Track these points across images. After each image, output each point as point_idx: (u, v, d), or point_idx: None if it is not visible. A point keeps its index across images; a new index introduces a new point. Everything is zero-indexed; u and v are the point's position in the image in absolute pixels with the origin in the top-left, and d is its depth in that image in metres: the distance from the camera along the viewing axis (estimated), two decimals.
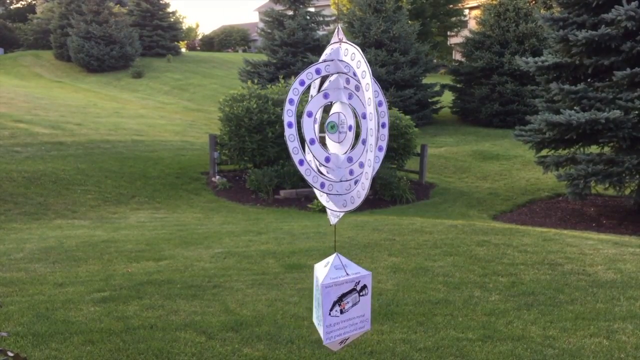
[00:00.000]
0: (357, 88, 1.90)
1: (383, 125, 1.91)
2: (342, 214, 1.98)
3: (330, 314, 1.91)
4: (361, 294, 1.92)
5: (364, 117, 1.91)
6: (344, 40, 1.87)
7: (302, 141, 1.95)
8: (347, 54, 1.87)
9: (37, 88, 23.72)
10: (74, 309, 4.29)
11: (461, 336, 3.84)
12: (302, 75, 1.91)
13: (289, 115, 1.96)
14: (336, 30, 1.88)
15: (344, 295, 1.92)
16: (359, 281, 1.92)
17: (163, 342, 3.68)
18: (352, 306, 1.92)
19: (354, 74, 1.88)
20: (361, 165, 1.91)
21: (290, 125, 1.96)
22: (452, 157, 16.44)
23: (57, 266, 5.57)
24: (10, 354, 1.91)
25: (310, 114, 1.94)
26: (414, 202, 11.96)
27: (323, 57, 1.92)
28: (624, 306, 4.43)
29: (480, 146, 17.72)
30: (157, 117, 20.14)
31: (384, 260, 5.76)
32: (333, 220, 2.00)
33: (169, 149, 14.75)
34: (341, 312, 1.92)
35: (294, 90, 1.93)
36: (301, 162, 1.96)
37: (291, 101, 1.96)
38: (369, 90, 1.79)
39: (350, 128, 1.92)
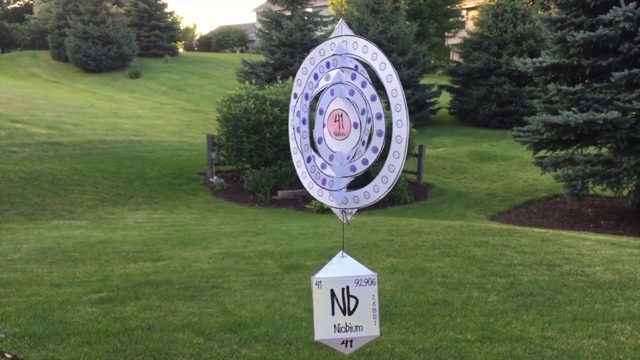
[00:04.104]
0: (364, 84, 1.92)
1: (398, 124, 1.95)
2: (354, 210, 2.00)
3: None
4: None
5: (379, 117, 1.93)
6: (351, 34, 1.89)
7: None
8: (356, 47, 1.89)
9: (34, 88, 23.67)
10: (71, 309, 4.27)
11: (460, 337, 3.84)
12: (315, 69, 1.95)
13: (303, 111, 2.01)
14: (340, 24, 1.90)
15: None
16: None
17: (161, 343, 3.66)
18: None
19: (361, 71, 1.90)
20: (365, 162, 1.93)
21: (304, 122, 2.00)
22: (449, 157, 16.44)
23: (54, 267, 5.55)
24: (8, 356, 1.90)
25: (321, 111, 1.95)
26: (411, 202, 11.96)
27: (327, 49, 1.92)
28: (622, 307, 4.43)
29: (478, 147, 17.72)
30: (154, 117, 20.10)
31: (382, 261, 5.75)
32: (347, 218, 2.00)
33: (167, 149, 14.72)
34: None
35: (309, 84, 1.95)
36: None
37: (307, 96, 1.99)
38: (397, 96, 1.83)
39: (355, 125, 1.92)
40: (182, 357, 3.50)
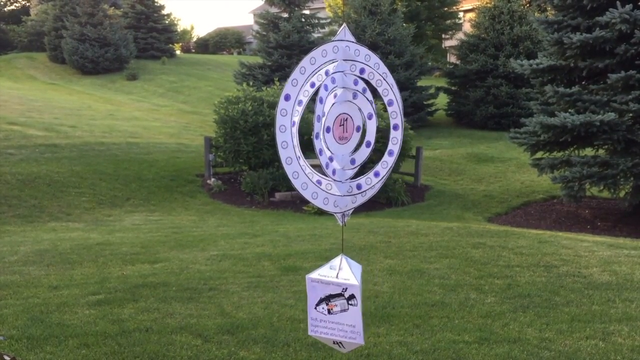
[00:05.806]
0: (365, 90, 1.92)
1: (395, 128, 1.95)
2: (350, 211, 2.01)
3: (315, 309, 1.92)
4: (350, 302, 1.91)
5: (370, 117, 1.93)
6: (353, 40, 1.89)
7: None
8: (358, 54, 1.89)
9: (31, 90, 23.62)
10: (68, 312, 4.26)
11: (457, 339, 3.84)
12: (313, 78, 1.92)
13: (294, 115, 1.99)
14: (344, 29, 1.89)
15: (332, 296, 1.92)
16: (346, 288, 1.90)
17: (159, 345, 3.66)
18: (341, 311, 1.91)
19: (361, 73, 1.90)
20: (377, 174, 1.94)
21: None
22: (447, 159, 16.46)
23: (51, 269, 5.54)
24: (7, 358, 1.90)
25: (323, 114, 1.95)
26: (409, 204, 11.96)
27: (329, 50, 1.91)
28: (620, 308, 4.44)
29: (475, 149, 17.75)
30: (151, 119, 20.09)
31: (379, 262, 5.76)
32: (343, 219, 2.01)
33: (164, 151, 14.70)
34: (329, 312, 1.92)
35: (304, 92, 1.93)
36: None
37: (300, 102, 1.96)
38: (389, 94, 1.87)
39: (358, 129, 1.92)
40: (180, 359, 3.49)
